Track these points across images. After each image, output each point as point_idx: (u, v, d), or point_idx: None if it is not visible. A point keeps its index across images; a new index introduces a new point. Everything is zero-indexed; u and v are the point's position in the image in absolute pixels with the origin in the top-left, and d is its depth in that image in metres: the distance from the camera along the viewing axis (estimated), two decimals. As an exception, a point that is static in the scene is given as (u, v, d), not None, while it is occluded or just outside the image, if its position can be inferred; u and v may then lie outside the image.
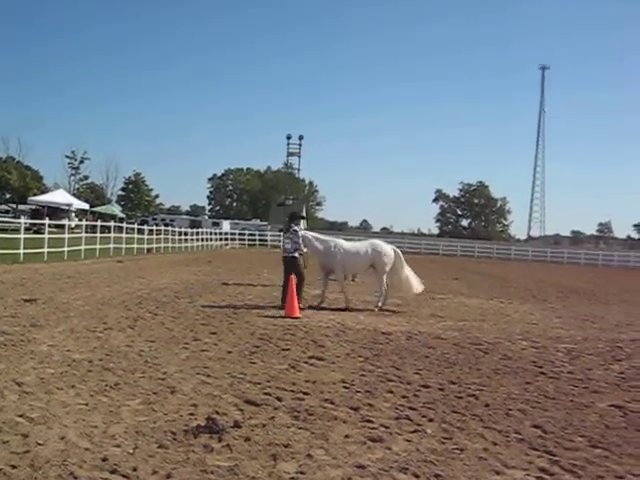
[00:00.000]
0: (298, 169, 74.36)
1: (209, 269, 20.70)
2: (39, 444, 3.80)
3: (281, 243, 12.72)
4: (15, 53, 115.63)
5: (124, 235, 28.64)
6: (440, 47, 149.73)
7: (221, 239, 46.37)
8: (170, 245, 34.00)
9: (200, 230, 42.26)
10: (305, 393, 5.30)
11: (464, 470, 3.76)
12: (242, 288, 14.46)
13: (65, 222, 28.03)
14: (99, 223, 26.78)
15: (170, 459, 3.70)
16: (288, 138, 68.66)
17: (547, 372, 6.69)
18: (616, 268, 48.70)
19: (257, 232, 53.79)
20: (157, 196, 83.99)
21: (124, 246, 27.36)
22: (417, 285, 11.98)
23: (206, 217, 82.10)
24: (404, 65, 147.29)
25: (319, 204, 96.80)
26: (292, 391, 5.35)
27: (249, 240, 50.75)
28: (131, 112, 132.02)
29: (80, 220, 31.91)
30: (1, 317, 8.29)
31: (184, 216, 74.99)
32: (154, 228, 34.58)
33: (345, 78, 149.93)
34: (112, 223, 29.65)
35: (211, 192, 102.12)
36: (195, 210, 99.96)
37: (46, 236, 21.19)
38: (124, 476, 3.45)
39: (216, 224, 59.96)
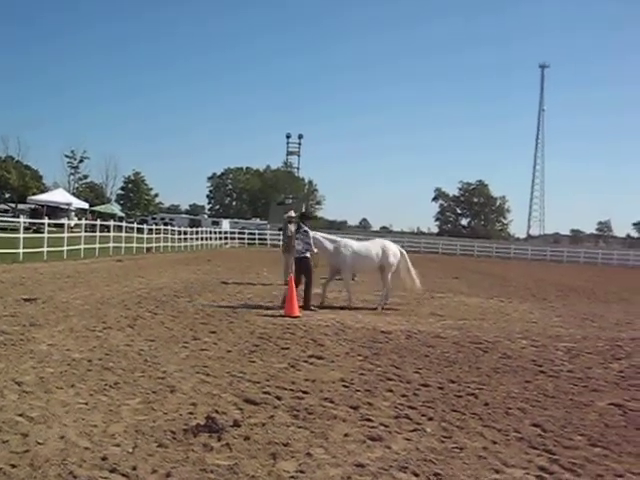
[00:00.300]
0: (298, 168, 74.62)
1: (208, 268, 20.69)
2: (39, 443, 3.81)
3: (280, 242, 12.76)
4: (15, 53, 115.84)
5: (123, 234, 28.59)
6: (440, 47, 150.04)
7: (220, 238, 46.34)
8: (169, 244, 33.96)
9: (200, 229, 42.20)
10: (304, 392, 5.30)
11: (464, 469, 3.76)
12: (241, 287, 14.45)
13: (64, 221, 28.05)
14: (98, 222, 26.72)
15: (170, 458, 3.70)
16: (288, 137, 68.83)
17: (547, 371, 6.69)
18: (615, 267, 48.64)
19: (257, 231, 53.80)
20: (156, 195, 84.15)
21: (123, 245, 27.34)
22: (419, 282, 12.19)
23: (206, 216, 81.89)
24: (404, 65, 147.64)
25: (319, 203, 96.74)
26: (292, 390, 5.35)
27: (249, 239, 50.76)
28: (131, 112, 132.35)
29: (79, 219, 31.86)
30: (1, 316, 8.28)
31: (184, 215, 74.80)
32: (153, 227, 34.51)
33: (345, 78, 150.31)
34: (111, 222, 29.67)
35: (211, 191, 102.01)
36: (195, 209, 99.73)
37: (45, 235, 21.17)
38: (124, 475, 3.45)
39: (216, 223, 59.82)
